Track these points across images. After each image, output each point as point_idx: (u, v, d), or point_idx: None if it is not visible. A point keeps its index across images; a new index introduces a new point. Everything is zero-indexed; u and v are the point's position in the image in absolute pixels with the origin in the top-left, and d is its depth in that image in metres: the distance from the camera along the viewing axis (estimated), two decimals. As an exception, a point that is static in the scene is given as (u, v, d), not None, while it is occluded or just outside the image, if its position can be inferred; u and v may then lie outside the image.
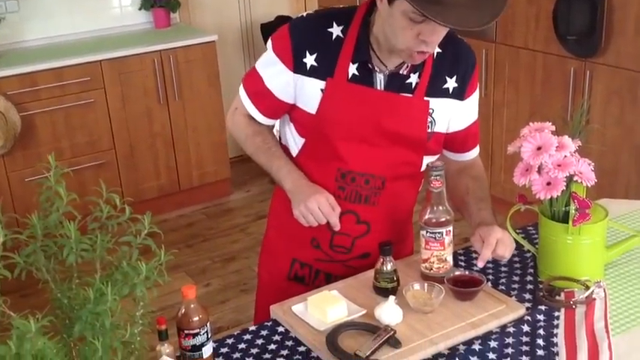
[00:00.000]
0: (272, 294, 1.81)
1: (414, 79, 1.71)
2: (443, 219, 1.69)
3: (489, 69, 3.94)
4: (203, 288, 3.69)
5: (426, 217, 1.70)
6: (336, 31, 1.69)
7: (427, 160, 1.81)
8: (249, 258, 3.95)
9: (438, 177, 1.67)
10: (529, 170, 1.66)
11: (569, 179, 1.65)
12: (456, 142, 1.85)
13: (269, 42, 1.76)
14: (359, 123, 1.70)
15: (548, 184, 1.64)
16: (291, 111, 1.77)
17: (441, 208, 1.69)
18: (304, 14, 1.77)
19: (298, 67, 1.69)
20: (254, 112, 1.81)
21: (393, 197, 1.79)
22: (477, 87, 1.82)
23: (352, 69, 1.69)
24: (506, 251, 1.70)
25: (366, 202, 1.77)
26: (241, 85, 1.82)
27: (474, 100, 1.82)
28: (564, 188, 1.63)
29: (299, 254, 1.88)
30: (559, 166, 1.63)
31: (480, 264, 1.70)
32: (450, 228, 1.71)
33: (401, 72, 1.70)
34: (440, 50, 1.72)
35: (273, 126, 1.87)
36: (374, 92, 1.70)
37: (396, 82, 1.71)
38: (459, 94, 1.76)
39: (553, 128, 1.68)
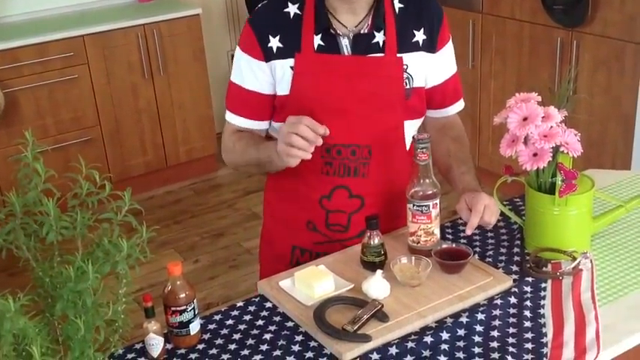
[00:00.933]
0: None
1: (379, 37, 1.70)
2: (430, 192, 1.68)
3: (476, 40, 3.92)
4: (192, 264, 3.69)
5: (413, 190, 1.69)
6: (292, 9, 1.70)
7: (411, 124, 1.79)
8: (237, 234, 3.94)
9: (424, 149, 1.66)
10: (515, 141, 1.65)
11: (556, 150, 1.64)
12: (435, 97, 1.83)
13: (236, 50, 1.78)
14: (334, 93, 1.69)
15: (535, 155, 1.63)
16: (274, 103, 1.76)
17: (427, 180, 1.69)
18: (259, 6, 1.77)
19: (267, 54, 1.69)
20: (240, 120, 1.78)
21: (382, 168, 1.78)
22: (448, 39, 1.81)
23: (317, 40, 1.68)
24: (492, 217, 1.70)
25: (356, 174, 1.76)
26: (227, 110, 1.82)
27: (447, 52, 1.81)
28: (551, 159, 1.62)
29: (297, 240, 1.86)
30: (545, 136, 1.62)
31: (469, 231, 1.70)
32: (437, 201, 1.70)
33: (362, 32, 1.70)
34: (402, 5, 1.73)
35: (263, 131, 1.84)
36: (342, 58, 1.69)
37: (362, 43, 1.70)
38: (430, 46, 1.75)
39: (539, 99, 1.67)
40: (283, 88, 1.71)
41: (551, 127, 1.63)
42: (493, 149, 3.96)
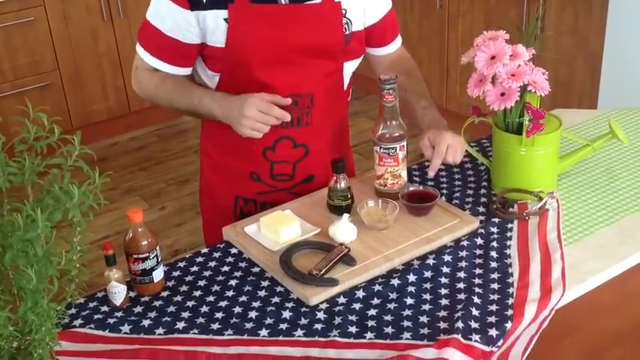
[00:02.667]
0: (220, 234, 1.71)
1: None
2: (396, 134, 1.66)
3: (444, -21, 3.85)
4: (158, 211, 3.65)
5: (379, 132, 1.66)
6: None
7: (349, 64, 1.74)
8: (204, 179, 3.89)
9: (390, 90, 1.62)
10: (483, 81, 1.62)
11: (523, 89, 1.62)
12: (374, 35, 1.78)
13: None
14: (272, 44, 1.61)
15: (502, 94, 1.60)
16: (201, 50, 1.66)
17: (394, 122, 1.66)
18: None
19: (194, 4, 1.58)
20: (160, 65, 1.68)
21: (324, 114, 1.73)
22: None
23: None
24: (456, 156, 1.66)
25: (299, 124, 1.70)
26: (137, 44, 1.70)
27: None
28: (518, 99, 1.60)
29: (241, 191, 1.81)
30: (513, 75, 1.59)
31: (431, 174, 1.68)
32: (404, 143, 1.67)
33: None
34: None
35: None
36: (279, 7, 1.61)
37: None
38: None
39: (507, 37, 1.64)
40: (217, 40, 1.61)
41: (519, 65, 1.60)
42: (461, 91, 3.93)
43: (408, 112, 1.79)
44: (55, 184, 0.85)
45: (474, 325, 1.34)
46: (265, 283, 1.49)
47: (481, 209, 1.70)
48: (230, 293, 1.47)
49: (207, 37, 1.62)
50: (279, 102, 1.61)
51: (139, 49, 1.70)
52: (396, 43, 1.86)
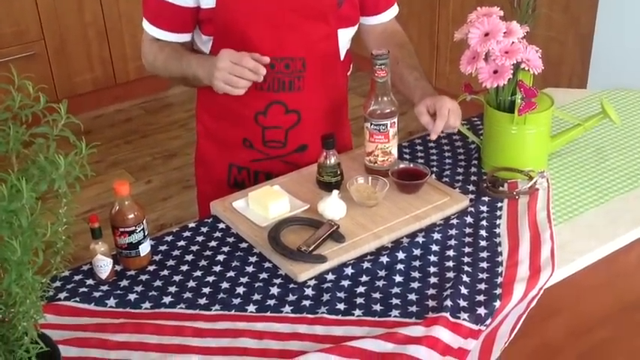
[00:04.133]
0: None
1: None
2: (387, 110, 1.64)
3: (436, -44, 3.81)
4: (144, 185, 3.62)
5: (370, 108, 1.64)
6: None
7: (345, 32, 1.72)
8: (190, 154, 3.83)
9: (382, 66, 1.60)
10: (476, 58, 1.60)
11: (516, 67, 1.60)
12: (367, 2, 1.75)
13: None
14: (263, 4, 1.60)
15: (495, 72, 1.59)
16: (196, 14, 1.65)
17: (385, 98, 1.64)
18: None
19: None
20: (159, 33, 1.69)
21: (318, 81, 1.71)
22: None
23: None
24: (457, 121, 1.64)
25: (291, 88, 1.69)
26: (143, 17, 1.71)
27: None
28: (511, 77, 1.59)
29: (234, 158, 1.80)
30: (506, 53, 1.57)
31: (434, 136, 1.63)
32: (395, 120, 1.66)
33: None
34: None
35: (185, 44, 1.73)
36: None
37: None
38: None
39: (501, 13, 1.62)
40: (208, 2, 1.60)
41: (513, 42, 1.58)
42: (451, 69, 3.91)
43: (400, 84, 1.76)
44: (40, 154, 0.83)
45: (462, 303, 1.34)
46: (253, 259, 1.48)
47: (471, 188, 1.69)
48: (217, 268, 1.46)
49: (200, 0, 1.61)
50: (258, 59, 1.55)
51: (144, 22, 1.71)
52: (389, 13, 1.82)
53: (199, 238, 1.55)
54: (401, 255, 1.47)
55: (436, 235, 1.52)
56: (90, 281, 1.42)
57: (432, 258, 1.47)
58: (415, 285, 1.40)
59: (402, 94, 1.76)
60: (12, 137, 0.83)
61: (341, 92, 1.83)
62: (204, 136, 1.86)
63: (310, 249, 1.45)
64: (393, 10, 1.83)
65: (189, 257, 1.49)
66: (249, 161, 1.79)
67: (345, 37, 1.73)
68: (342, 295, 1.37)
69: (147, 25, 1.70)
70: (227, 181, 1.83)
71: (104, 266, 1.41)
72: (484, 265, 1.44)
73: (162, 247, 1.53)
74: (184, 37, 1.70)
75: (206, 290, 1.40)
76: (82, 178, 0.86)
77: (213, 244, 1.53)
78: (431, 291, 1.38)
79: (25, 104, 0.85)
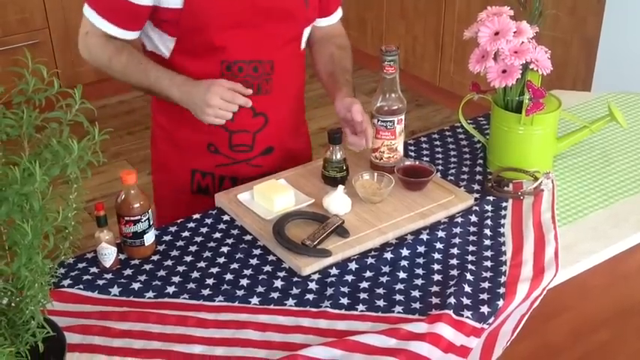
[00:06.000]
0: (177, 212, 1.66)
1: None
2: (395, 107, 1.64)
3: (444, -45, 3.81)
4: (146, 176, 3.59)
5: (378, 104, 1.64)
6: None
7: (305, 32, 1.71)
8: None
9: (391, 62, 1.60)
10: (485, 57, 1.60)
11: (525, 67, 1.60)
12: (322, 4, 1.73)
13: None
14: (232, 6, 1.55)
15: (504, 71, 1.59)
16: (153, 13, 1.57)
17: (393, 95, 1.64)
18: None
19: None
20: (111, 28, 1.58)
21: (283, 82, 1.68)
22: None
23: None
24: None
25: (259, 91, 1.64)
26: (85, 5, 1.60)
27: None
28: (519, 77, 1.59)
29: (197, 164, 1.73)
30: (516, 52, 1.57)
31: (370, 145, 1.63)
32: (402, 117, 1.66)
33: None
34: None
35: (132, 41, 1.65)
36: None
37: None
38: None
39: (511, 13, 1.62)
40: (173, 1, 1.53)
41: (522, 42, 1.58)
42: (455, 69, 3.91)
43: (328, 79, 1.76)
44: (53, 138, 0.83)
45: (465, 301, 1.34)
46: (257, 252, 1.48)
47: (476, 187, 1.69)
48: (221, 260, 1.46)
49: None
50: (241, 90, 1.55)
51: (86, 10, 1.60)
52: (336, 16, 1.81)
53: (203, 230, 1.55)
54: (405, 252, 1.47)
55: (440, 233, 1.52)
56: (94, 269, 1.42)
57: (436, 255, 1.47)
58: (419, 282, 1.40)
59: (325, 88, 1.77)
60: (25, 121, 0.82)
61: (300, 89, 1.80)
62: (163, 140, 1.78)
63: (314, 243, 1.45)
64: (338, 14, 1.82)
65: (193, 248, 1.49)
66: (214, 166, 1.73)
67: (305, 36, 1.72)
68: (345, 289, 1.37)
69: (94, 17, 1.58)
70: (190, 186, 1.76)
71: (108, 254, 1.41)
72: (488, 264, 1.44)
73: (167, 238, 1.53)
74: (133, 35, 1.62)
75: (210, 281, 1.40)
76: (94, 164, 0.86)
77: (217, 235, 1.53)
78: (434, 288, 1.38)
79: (39, 88, 0.85)
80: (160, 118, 1.77)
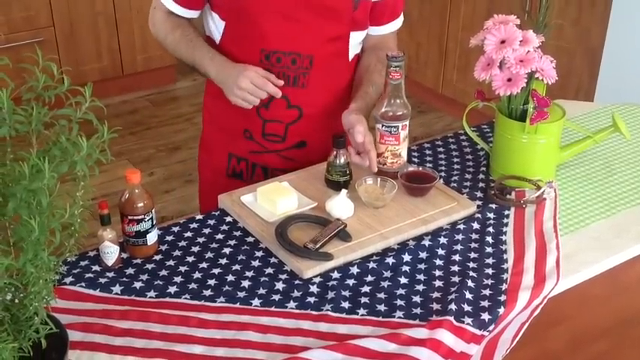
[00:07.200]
0: (215, 192, 1.72)
1: None
2: (400, 113, 1.64)
3: (449, -37, 3.81)
4: (147, 177, 3.61)
5: (383, 109, 1.65)
6: None
7: (355, 35, 1.73)
8: (194, 148, 3.85)
9: (397, 68, 1.60)
10: (491, 65, 1.60)
11: (530, 76, 1.61)
12: (375, 12, 1.75)
13: None
14: None
15: (509, 80, 1.59)
16: None
17: (398, 101, 1.64)
18: None
19: None
20: (173, 5, 1.71)
21: (323, 79, 1.71)
22: None
23: None
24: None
25: (295, 84, 1.69)
26: None
27: None
28: (524, 85, 1.59)
29: (234, 148, 1.81)
30: (521, 61, 1.58)
31: (375, 169, 1.64)
32: (407, 122, 1.66)
33: None
34: None
35: (193, 20, 1.77)
36: None
37: None
38: None
39: (518, 22, 1.62)
40: None
41: (528, 51, 1.59)
42: (458, 77, 3.92)
43: (354, 88, 1.77)
44: (62, 136, 0.83)
45: (466, 308, 1.34)
46: (259, 254, 1.48)
47: (479, 194, 1.69)
48: (223, 261, 1.46)
49: None
50: (274, 81, 1.63)
51: None
52: (389, 27, 1.81)
53: (206, 231, 1.55)
54: (407, 257, 1.47)
55: (442, 239, 1.52)
56: (96, 267, 1.43)
57: (438, 262, 1.47)
58: (420, 287, 1.40)
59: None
60: (34, 117, 0.83)
61: (345, 94, 1.83)
62: (209, 122, 1.88)
63: (317, 246, 1.45)
64: (393, 25, 1.82)
65: (195, 249, 1.49)
66: (248, 152, 1.80)
67: (355, 40, 1.74)
68: (346, 293, 1.38)
69: None
70: (226, 169, 1.84)
71: (111, 253, 1.41)
72: (489, 271, 1.44)
73: (169, 238, 1.53)
74: (192, 14, 1.73)
75: (211, 282, 1.40)
76: (103, 162, 0.87)
77: (219, 236, 1.53)
78: (435, 294, 1.38)
79: (49, 85, 0.85)
80: (209, 101, 1.86)
